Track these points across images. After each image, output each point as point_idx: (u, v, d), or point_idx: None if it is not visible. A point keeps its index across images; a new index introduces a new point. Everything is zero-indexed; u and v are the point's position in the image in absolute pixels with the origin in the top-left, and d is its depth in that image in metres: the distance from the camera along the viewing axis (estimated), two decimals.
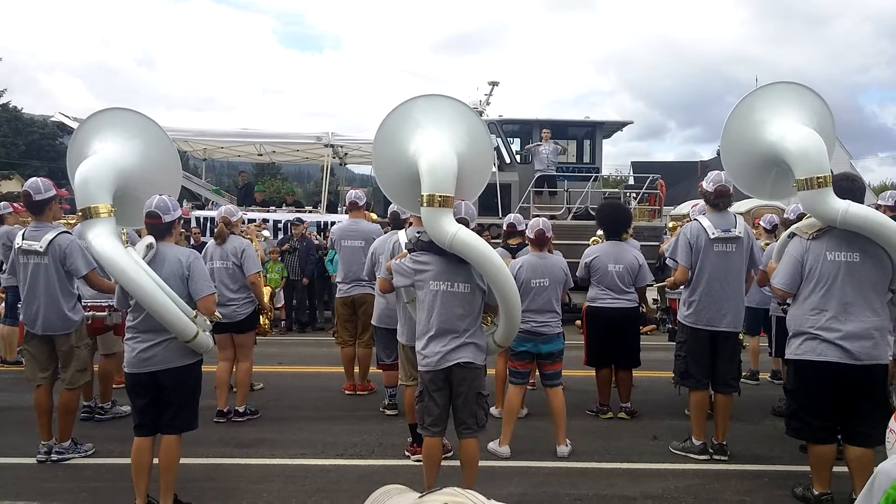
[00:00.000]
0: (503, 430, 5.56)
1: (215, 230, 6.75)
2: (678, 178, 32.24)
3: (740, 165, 4.86)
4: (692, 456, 5.44)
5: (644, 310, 12.54)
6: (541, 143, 14.31)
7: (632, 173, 39.90)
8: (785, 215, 7.31)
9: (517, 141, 16.34)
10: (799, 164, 4.30)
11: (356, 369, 7.51)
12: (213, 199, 15.65)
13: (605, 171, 17.93)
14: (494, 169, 15.16)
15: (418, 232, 4.48)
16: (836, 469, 4.52)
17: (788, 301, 4.68)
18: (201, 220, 13.16)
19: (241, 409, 6.46)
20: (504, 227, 6.99)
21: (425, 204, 4.08)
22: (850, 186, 4.36)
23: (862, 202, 4.32)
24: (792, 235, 4.60)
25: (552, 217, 14.03)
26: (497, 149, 15.13)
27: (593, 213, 10.94)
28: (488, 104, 16.64)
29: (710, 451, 5.45)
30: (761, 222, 8.18)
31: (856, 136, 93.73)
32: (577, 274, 7.05)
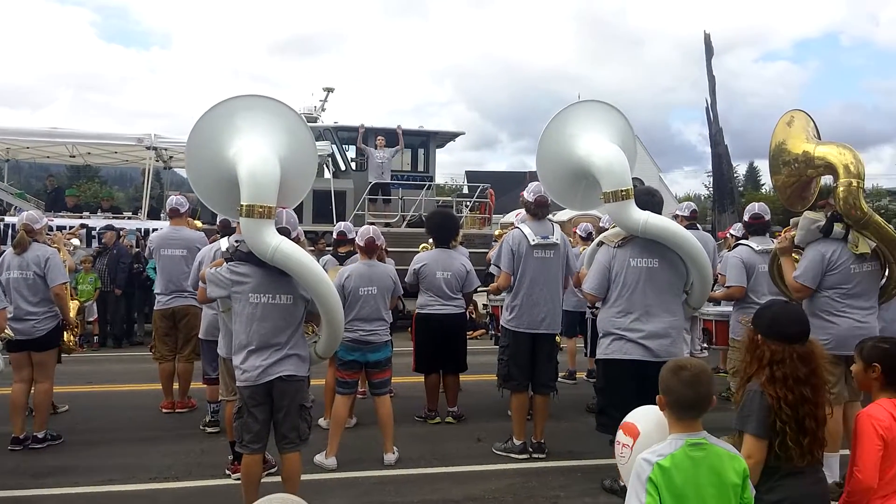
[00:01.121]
0: (330, 441, 5.47)
1: (15, 237, 6.11)
2: (509, 187, 33.77)
3: (553, 177, 5.15)
4: (513, 456, 5.65)
5: (474, 315, 13.03)
6: (375, 149, 14.36)
7: (466, 182, 41.36)
8: (601, 224, 7.84)
9: (352, 148, 16.29)
10: (605, 177, 4.62)
11: (175, 386, 7.10)
12: (17, 203, 14.17)
13: (440, 180, 18.39)
14: (329, 175, 15.06)
15: (237, 241, 4.29)
16: None
17: (598, 304, 5.00)
18: (1, 227, 11.86)
19: (39, 435, 5.85)
20: (334, 236, 6.92)
21: (244, 215, 3.92)
22: (649, 200, 4.74)
23: (660, 213, 4.72)
24: (600, 244, 4.92)
25: (387, 225, 14.15)
26: (332, 156, 15.00)
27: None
28: (323, 110, 16.52)
29: (530, 449, 5.69)
30: (577, 230, 8.70)
31: (664, 151, 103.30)
32: (405, 280, 7.12)
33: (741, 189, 35.34)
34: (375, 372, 5.67)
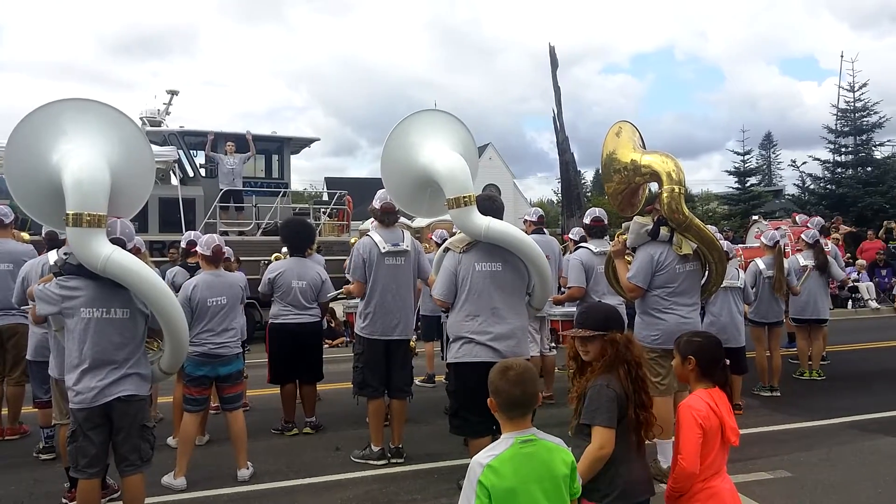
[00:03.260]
0: (179, 461, 5.23)
1: None
2: (369, 194, 33.69)
3: (398, 185, 5.21)
4: (371, 462, 5.66)
5: (334, 324, 12.90)
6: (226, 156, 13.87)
7: (325, 189, 40.88)
8: (454, 229, 8.00)
9: (201, 154, 15.63)
10: (448, 185, 4.75)
11: (5, 411, 6.51)
12: None
13: (299, 187, 18.07)
14: (176, 182, 14.36)
15: (66, 253, 4.01)
16: None
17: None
18: None
19: None
20: (183, 245, 6.63)
21: (71, 224, 3.68)
22: (491, 206, 4.92)
23: (501, 219, 4.90)
24: (446, 250, 5.04)
25: (240, 233, 13.71)
26: (179, 162, 14.32)
27: None
28: (168, 114, 15.74)
29: (388, 455, 5.72)
30: (433, 237, 8.88)
31: (518, 158, 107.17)
32: (259, 290, 6.95)
33: (588, 194, 37.35)
34: (227, 386, 5.48)
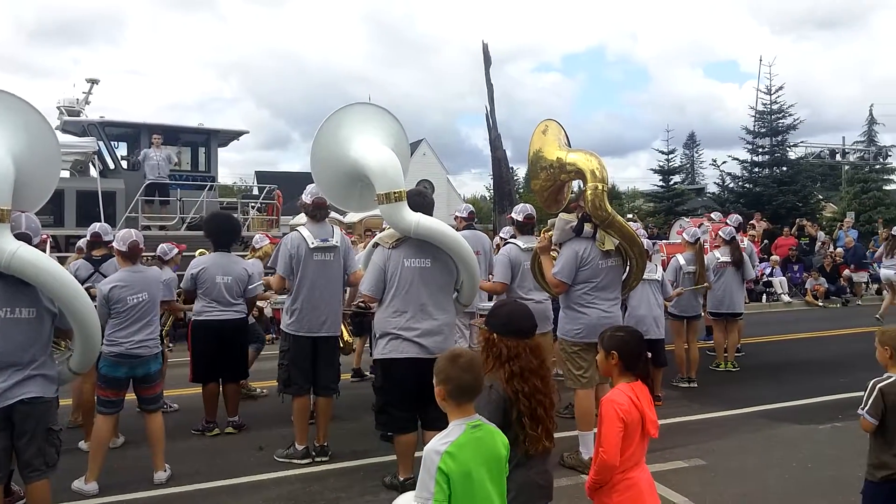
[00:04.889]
0: (90, 465, 5.02)
1: None
2: (301, 188, 33.11)
3: (329, 180, 5.14)
4: (295, 461, 5.57)
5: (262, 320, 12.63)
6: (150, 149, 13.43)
7: (256, 183, 40.04)
8: (384, 225, 7.95)
9: (123, 146, 15.09)
10: (378, 180, 4.71)
11: None
12: None
13: (228, 180, 17.66)
14: (95, 175, 13.81)
15: None
16: (418, 454, 5.02)
17: (373, 307, 5.09)
18: None
19: None
20: (88, 237, 6.35)
21: None
22: (421, 201, 4.91)
23: (431, 214, 4.90)
24: (376, 245, 5.01)
25: (162, 227, 13.30)
26: (98, 153, 13.79)
27: None
28: (87, 103, 15.13)
29: (313, 453, 5.65)
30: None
31: (453, 155, 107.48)
32: (182, 286, 6.75)
33: (521, 191, 37.77)
34: (145, 387, 5.29)
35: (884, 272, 13.26)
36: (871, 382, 3.59)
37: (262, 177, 43.56)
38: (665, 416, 6.41)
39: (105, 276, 5.65)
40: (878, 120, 45.30)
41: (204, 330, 6.49)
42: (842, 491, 4.62)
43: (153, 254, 7.61)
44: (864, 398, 3.58)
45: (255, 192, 28.18)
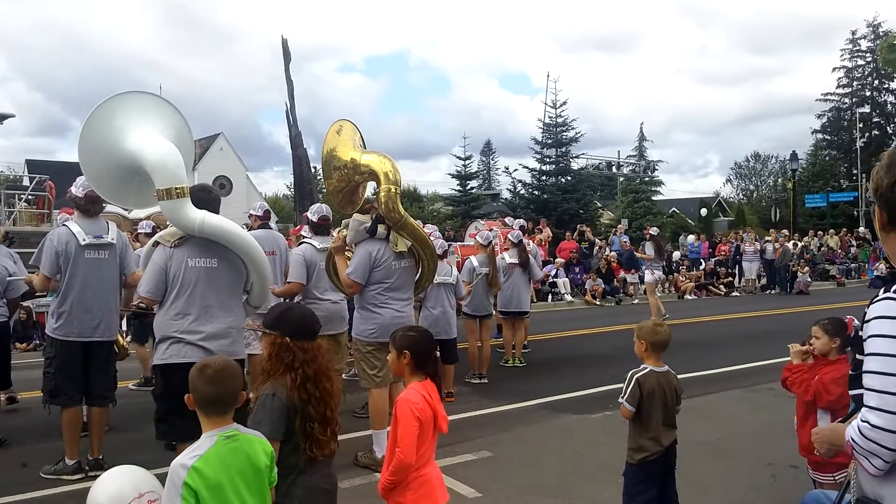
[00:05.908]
0: None
1: None
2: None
3: (100, 173, 4.72)
4: (65, 477, 5.11)
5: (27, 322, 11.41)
6: None
7: (26, 173, 35.98)
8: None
9: None
10: (158, 174, 4.42)
11: None
12: None
13: None
14: None
15: None
16: None
17: (154, 308, 4.78)
18: None
19: None
20: None
21: None
22: (206, 197, 4.68)
23: (217, 212, 4.69)
24: (156, 244, 4.70)
25: None
26: None
27: None
28: None
29: (86, 468, 5.20)
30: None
31: (254, 151, 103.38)
32: None
33: (323, 191, 37.44)
34: None
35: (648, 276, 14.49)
36: (630, 373, 3.93)
37: (34, 166, 39.17)
38: (456, 412, 6.71)
39: None
40: (647, 137, 50.89)
41: None
42: (609, 474, 5.05)
43: None
44: (624, 388, 3.90)
45: (26, 182, 25.37)
